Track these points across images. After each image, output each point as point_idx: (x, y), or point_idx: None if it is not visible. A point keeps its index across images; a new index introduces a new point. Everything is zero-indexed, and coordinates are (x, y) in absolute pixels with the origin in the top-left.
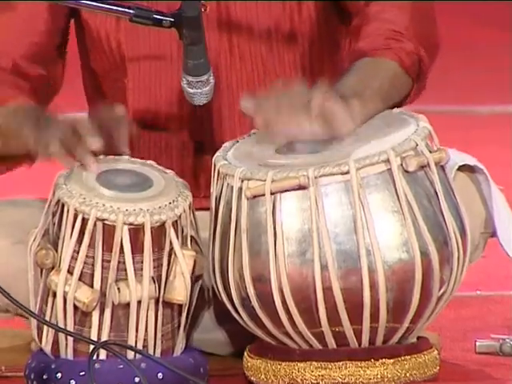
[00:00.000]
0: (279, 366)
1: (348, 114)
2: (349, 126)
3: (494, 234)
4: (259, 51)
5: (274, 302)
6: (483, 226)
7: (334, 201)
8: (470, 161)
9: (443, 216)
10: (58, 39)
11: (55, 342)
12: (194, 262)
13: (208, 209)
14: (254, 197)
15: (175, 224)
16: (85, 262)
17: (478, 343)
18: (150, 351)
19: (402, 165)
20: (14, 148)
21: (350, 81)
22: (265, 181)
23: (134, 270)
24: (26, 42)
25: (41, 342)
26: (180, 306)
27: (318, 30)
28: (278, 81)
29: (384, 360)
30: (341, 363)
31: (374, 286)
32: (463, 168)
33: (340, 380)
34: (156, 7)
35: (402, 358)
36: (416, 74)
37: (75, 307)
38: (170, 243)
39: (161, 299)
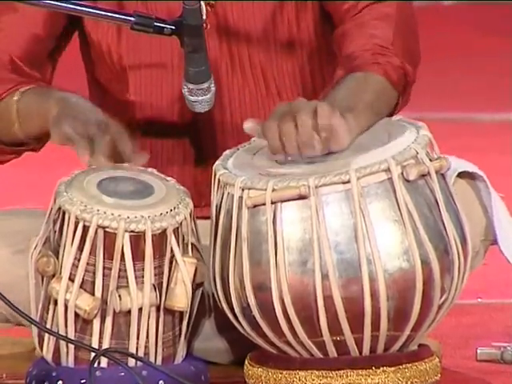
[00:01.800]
0: (280, 375)
1: (347, 130)
2: (347, 142)
3: (494, 242)
4: (258, 61)
5: (274, 310)
6: (484, 234)
7: (334, 210)
8: (470, 168)
9: (444, 224)
10: (51, 45)
11: (56, 350)
12: (195, 269)
13: (209, 217)
14: (255, 206)
15: (176, 231)
16: (86, 270)
17: (479, 351)
18: (151, 359)
19: (402, 174)
20: (31, 129)
21: (341, 95)
22: (265, 190)
23: (135, 277)
24: (22, 44)
25: (42, 350)
26: (181, 313)
27: (317, 40)
28: (280, 101)
29: (385, 368)
30: (342, 372)
31: (374, 295)
32: (463, 175)
33: None
34: (157, 15)
35: (403, 365)
36: (402, 88)
37: (76, 315)
38: (171, 250)
39: (162, 306)
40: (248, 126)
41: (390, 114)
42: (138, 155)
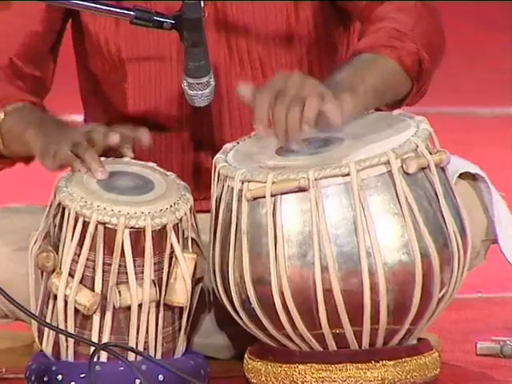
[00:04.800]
0: (280, 368)
1: (338, 112)
2: (338, 123)
3: (495, 241)
4: (257, 54)
5: (274, 303)
6: (484, 234)
7: (334, 203)
8: (471, 168)
9: (444, 218)
10: (51, 40)
11: (56, 344)
12: (195, 264)
13: (208, 211)
14: (255, 199)
15: (176, 227)
16: (86, 265)
17: (478, 345)
18: (151, 353)
19: (402, 166)
20: (17, 152)
21: (345, 74)
22: (265, 183)
23: (135, 273)
24: (21, 42)
25: (41, 345)
26: (181, 308)
27: (316, 32)
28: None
29: (384, 362)
30: (341, 365)
31: (374, 288)
32: (464, 175)
33: (340, 382)
34: (156, 9)
35: (403, 359)
36: (416, 75)
37: (76, 310)
38: (171, 246)
39: (162, 302)
40: (242, 89)
41: (401, 102)
42: (141, 131)
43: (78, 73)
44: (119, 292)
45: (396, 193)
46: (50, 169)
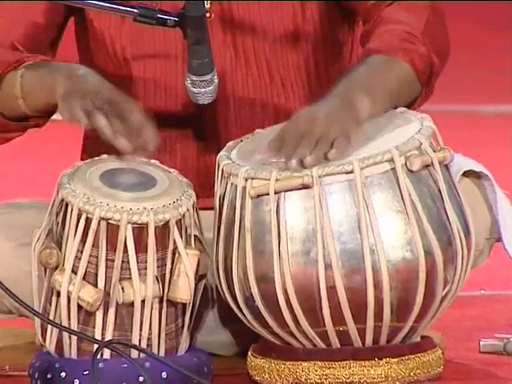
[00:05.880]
0: (283, 366)
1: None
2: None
3: (499, 240)
4: (264, 55)
5: (277, 301)
6: (488, 232)
7: (337, 200)
8: (476, 166)
9: (447, 215)
10: (52, 34)
11: (59, 342)
12: (198, 261)
13: (212, 209)
14: (258, 196)
15: (179, 223)
16: (89, 262)
17: (481, 342)
18: (154, 350)
19: (405, 164)
20: (36, 103)
21: (363, 76)
22: (269, 180)
23: (138, 269)
24: (22, 32)
25: (45, 342)
26: (184, 305)
27: (322, 32)
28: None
29: (388, 359)
30: (345, 362)
31: (377, 286)
32: (468, 173)
33: (344, 379)
34: (160, 7)
35: (406, 357)
36: (426, 79)
37: (79, 307)
38: (174, 242)
39: (165, 298)
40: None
41: (411, 107)
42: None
43: None
44: (122, 288)
45: (399, 190)
46: (68, 116)
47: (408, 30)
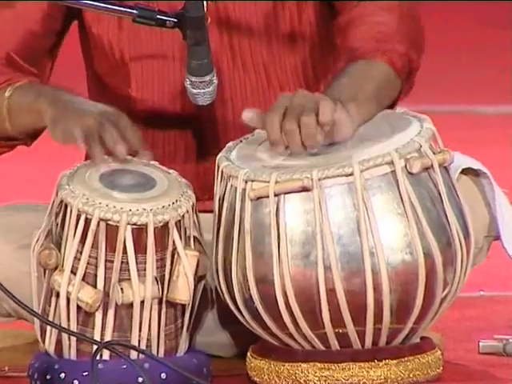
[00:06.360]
0: (282, 367)
1: (350, 122)
2: (350, 133)
3: (497, 238)
4: (261, 57)
5: (277, 303)
6: (487, 230)
7: (337, 203)
8: (474, 164)
9: (447, 218)
10: (50, 41)
11: (58, 343)
12: (197, 262)
13: (211, 211)
14: (258, 198)
15: (178, 224)
16: (88, 263)
17: (481, 344)
18: (154, 351)
19: (405, 166)
20: (22, 126)
21: (344, 84)
22: (268, 182)
23: (137, 270)
24: (18, 40)
25: (44, 343)
26: (183, 306)
27: (318, 34)
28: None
29: (387, 361)
30: (344, 364)
31: (377, 288)
32: (467, 171)
33: (343, 381)
34: (159, 8)
35: (406, 358)
36: (405, 75)
37: (78, 307)
38: (173, 243)
39: (164, 299)
40: (248, 115)
41: (393, 102)
42: (144, 152)
43: (87, 72)
44: (121, 289)
45: (399, 193)
46: (60, 138)
47: (383, 29)
